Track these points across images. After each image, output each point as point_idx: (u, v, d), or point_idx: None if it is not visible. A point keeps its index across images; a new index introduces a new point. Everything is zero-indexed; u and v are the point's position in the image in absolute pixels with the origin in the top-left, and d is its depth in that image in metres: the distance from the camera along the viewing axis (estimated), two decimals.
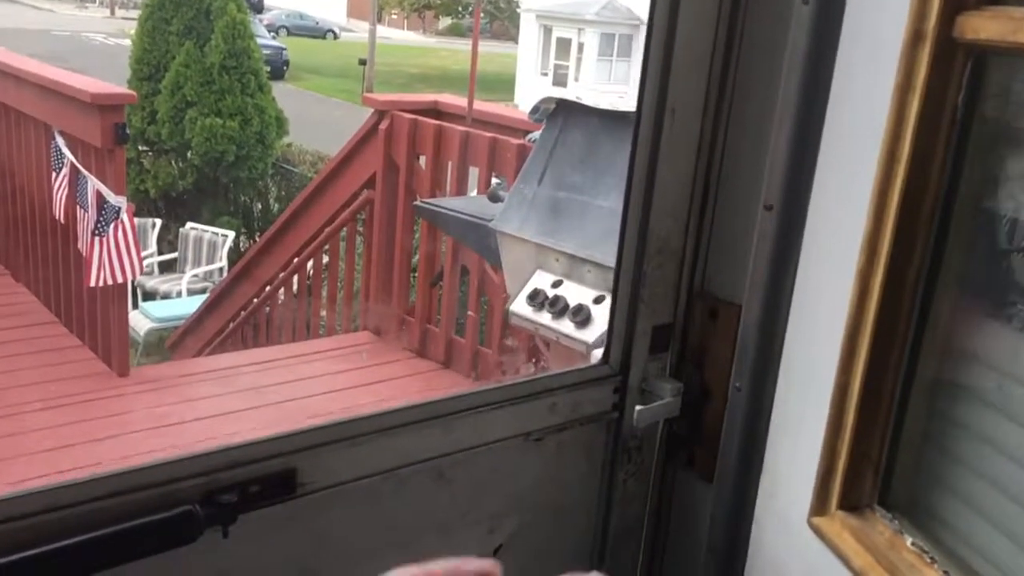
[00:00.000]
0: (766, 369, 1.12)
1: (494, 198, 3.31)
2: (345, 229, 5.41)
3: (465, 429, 1.07)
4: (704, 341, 1.21)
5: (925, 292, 0.85)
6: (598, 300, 2.72)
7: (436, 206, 3.52)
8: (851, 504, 0.90)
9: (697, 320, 1.22)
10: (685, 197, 1.18)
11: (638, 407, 1.19)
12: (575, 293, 2.78)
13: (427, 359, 4.88)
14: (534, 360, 4.27)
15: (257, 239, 8.58)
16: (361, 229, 5.53)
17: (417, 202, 4.18)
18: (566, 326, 2.72)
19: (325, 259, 5.65)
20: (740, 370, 1.15)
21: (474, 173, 4.72)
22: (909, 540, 0.84)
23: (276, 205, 10.91)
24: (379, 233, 5.09)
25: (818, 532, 0.92)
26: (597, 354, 1.28)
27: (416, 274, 5.11)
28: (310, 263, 5.62)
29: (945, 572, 0.79)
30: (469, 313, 4.55)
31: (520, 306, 2.85)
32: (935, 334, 0.86)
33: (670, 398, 1.21)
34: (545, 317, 2.78)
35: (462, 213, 3.43)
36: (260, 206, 11.06)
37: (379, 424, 0.99)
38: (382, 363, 4.90)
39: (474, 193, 4.78)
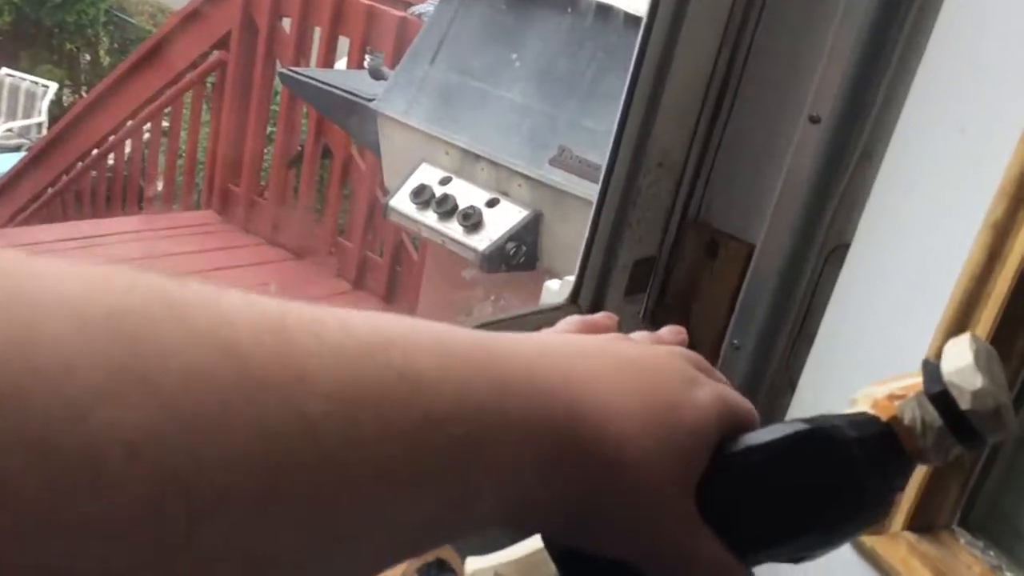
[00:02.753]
0: (778, 327, 0.90)
1: (376, 74, 2.91)
2: (191, 92, 4.80)
3: None
4: (694, 283, 0.97)
5: None
6: (491, 203, 2.44)
7: (306, 76, 3.09)
8: (924, 523, 0.69)
9: (688, 256, 0.97)
10: (698, 97, 0.91)
11: None
12: (466, 193, 2.48)
13: (278, 247, 4.46)
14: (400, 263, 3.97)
15: (84, 94, 7.67)
16: (209, 94, 4.93)
17: (282, 69, 3.69)
18: (454, 229, 2.43)
19: (165, 124, 5.03)
20: (743, 324, 0.92)
21: (344, 44, 4.25)
22: None
23: (108, 58, 9.78)
24: (231, 101, 4.54)
25: (872, 558, 0.70)
26: (552, 287, 1.01)
27: (271, 151, 4.62)
28: (147, 128, 4.98)
29: None
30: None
31: (401, 202, 2.52)
32: None
33: None
34: (430, 217, 2.47)
35: (338, 88, 3.02)
36: (89, 57, 9.89)
37: None
38: (227, 248, 4.44)
39: (341, 66, 4.32)
